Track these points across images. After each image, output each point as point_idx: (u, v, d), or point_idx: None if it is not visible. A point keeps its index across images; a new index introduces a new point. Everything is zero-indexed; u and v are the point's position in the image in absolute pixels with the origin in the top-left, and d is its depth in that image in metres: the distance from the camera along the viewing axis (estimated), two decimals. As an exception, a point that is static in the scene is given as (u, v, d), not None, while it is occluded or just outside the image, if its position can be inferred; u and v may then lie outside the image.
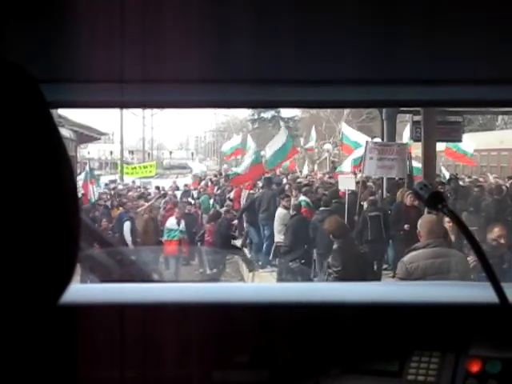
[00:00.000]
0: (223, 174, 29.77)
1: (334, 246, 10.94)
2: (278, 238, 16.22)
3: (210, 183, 26.73)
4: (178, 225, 17.51)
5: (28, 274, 0.94)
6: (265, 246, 17.81)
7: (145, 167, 31.26)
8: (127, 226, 17.37)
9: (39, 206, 0.94)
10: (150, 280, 3.04)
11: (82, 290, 2.72)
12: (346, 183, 17.42)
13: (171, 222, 17.59)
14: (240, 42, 1.89)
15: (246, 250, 19.18)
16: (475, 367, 2.24)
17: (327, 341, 2.38)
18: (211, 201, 22.44)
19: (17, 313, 0.95)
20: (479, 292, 2.35)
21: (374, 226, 15.06)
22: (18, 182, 0.92)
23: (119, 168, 37.93)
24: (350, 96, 2.37)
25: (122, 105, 2.86)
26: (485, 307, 2.22)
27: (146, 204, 19.50)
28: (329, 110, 37.78)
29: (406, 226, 14.31)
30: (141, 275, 2.99)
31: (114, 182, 32.35)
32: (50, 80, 1.94)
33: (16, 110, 0.95)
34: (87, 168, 23.91)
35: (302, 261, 13.76)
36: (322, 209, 15.36)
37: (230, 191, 23.00)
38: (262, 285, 3.45)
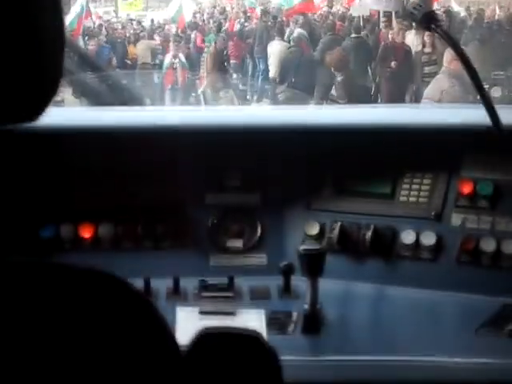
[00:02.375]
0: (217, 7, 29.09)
1: (338, 79, 10.88)
2: (273, 71, 16.01)
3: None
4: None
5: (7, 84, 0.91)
6: (260, 79, 17.66)
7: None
8: None
9: (16, 18, 0.90)
10: (142, 104, 3.01)
11: (75, 113, 2.71)
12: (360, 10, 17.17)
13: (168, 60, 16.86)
14: None
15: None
16: (467, 188, 2.25)
17: (319, 163, 2.38)
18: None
19: None
20: (473, 113, 2.33)
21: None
22: None
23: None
24: None
25: None
26: (477, 129, 2.20)
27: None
28: None
29: (392, 64, 13.59)
30: (133, 100, 2.95)
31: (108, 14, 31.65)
32: None
33: None
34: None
35: (296, 91, 13.64)
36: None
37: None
38: (254, 108, 3.43)
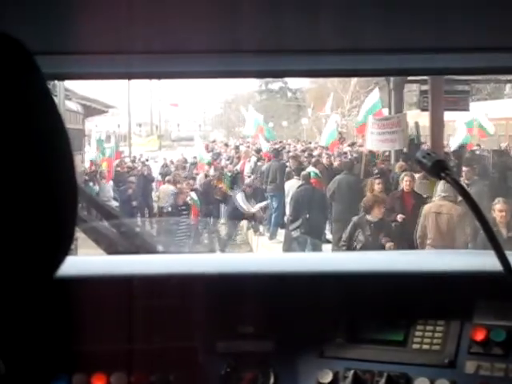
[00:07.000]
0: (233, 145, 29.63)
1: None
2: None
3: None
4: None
5: (22, 247, 0.93)
6: (273, 217, 17.77)
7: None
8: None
9: (34, 178, 0.93)
10: (155, 251, 3.05)
11: (88, 262, 2.74)
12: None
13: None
14: (242, 12, 1.88)
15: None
16: (480, 335, 2.24)
17: (331, 310, 2.39)
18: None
19: (12, 286, 0.95)
20: (483, 260, 2.35)
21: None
22: (12, 154, 0.91)
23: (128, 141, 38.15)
24: (356, 65, 2.35)
25: (128, 76, 2.82)
26: (489, 275, 2.22)
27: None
28: (336, 81, 37.58)
29: (398, 217, 12.27)
30: (146, 247, 2.99)
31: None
32: (56, 52, 1.94)
33: (11, 84, 0.94)
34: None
35: (302, 230, 13.72)
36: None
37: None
38: (266, 255, 3.46)
